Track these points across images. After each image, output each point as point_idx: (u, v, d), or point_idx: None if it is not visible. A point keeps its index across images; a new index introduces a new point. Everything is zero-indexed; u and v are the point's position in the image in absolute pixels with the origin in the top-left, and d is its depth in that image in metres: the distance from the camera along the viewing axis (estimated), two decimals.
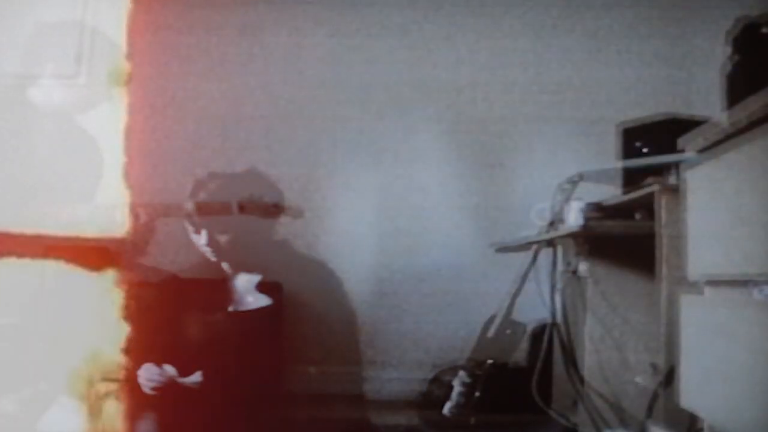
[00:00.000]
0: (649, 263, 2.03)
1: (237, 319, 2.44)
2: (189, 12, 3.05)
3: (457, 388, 2.67)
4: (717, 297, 1.59)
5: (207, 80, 3.04)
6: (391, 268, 3.05)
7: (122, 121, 2.54)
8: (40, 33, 2.22)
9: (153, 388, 2.10)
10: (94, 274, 2.02)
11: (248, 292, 2.52)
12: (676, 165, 1.84)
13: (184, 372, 2.26)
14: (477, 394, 2.66)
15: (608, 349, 2.28)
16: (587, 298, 2.35)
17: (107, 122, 2.39)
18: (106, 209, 2.04)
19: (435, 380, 2.74)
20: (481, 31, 3.14)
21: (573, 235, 2.39)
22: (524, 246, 2.62)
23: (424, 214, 3.09)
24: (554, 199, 2.38)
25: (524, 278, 2.59)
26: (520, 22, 3.15)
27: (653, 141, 2.09)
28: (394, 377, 2.69)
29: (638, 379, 2.12)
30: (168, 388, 2.12)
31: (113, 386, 1.98)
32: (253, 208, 2.35)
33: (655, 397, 1.90)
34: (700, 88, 2.09)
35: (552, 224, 2.42)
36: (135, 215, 2.16)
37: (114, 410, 2.05)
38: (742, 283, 1.43)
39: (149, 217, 2.19)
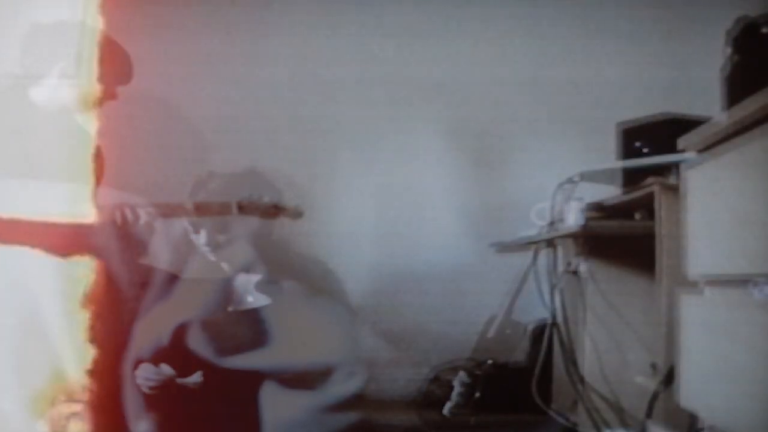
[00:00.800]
0: (649, 263, 2.03)
1: (237, 318, 2.44)
2: (189, 12, 3.05)
3: (457, 388, 2.67)
4: (717, 297, 1.59)
5: (207, 80, 3.04)
6: (391, 268, 3.05)
7: (122, 121, 2.54)
8: (41, 33, 2.22)
9: (151, 388, 2.10)
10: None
11: (248, 292, 2.52)
12: (676, 165, 1.84)
13: (184, 372, 2.27)
14: (477, 394, 2.67)
15: (608, 349, 2.28)
16: (587, 298, 2.35)
17: (107, 122, 2.39)
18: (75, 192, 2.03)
19: (435, 380, 2.74)
20: (481, 31, 3.14)
21: (573, 235, 2.39)
22: (524, 246, 2.62)
23: (424, 214, 3.09)
24: (554, 199, 2.38)
25: (524, 278, 2.59)
26: (520, 22, 3.15)
27: (653, 141, 2.09)
28: (394, 377, 2.69)
29: (638, 379, 2.12)
30: (166, 387, 2.12)
31: (77, 407, 1.97)
32: (252, 208, 2.35)
33: (655, 397, 1.90)
34: (700, 88, 2.08)
35: (552, 224, 2.42)
36: (135, 215, 2.15)
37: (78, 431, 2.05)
38: (742, 283, 1.43)
39: (149, 217, 2.18)
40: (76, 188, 2.06)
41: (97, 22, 2.32)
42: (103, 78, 2.28)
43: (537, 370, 2.55)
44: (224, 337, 2.37)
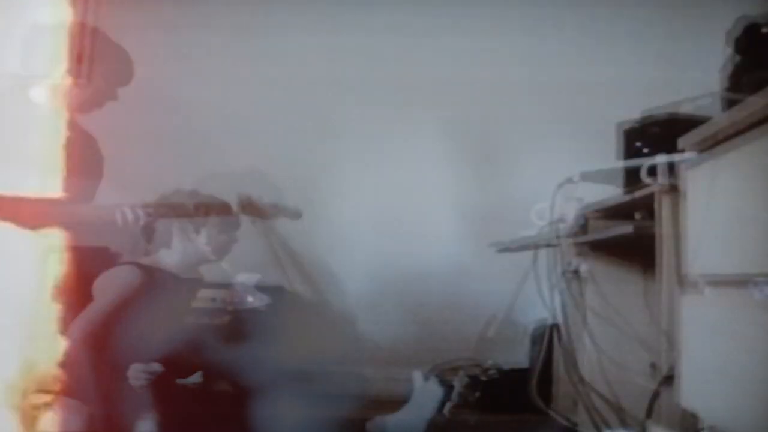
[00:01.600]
0: (649, 263, 2.03)
1: (237, 318, 2.44)
2: (189, 11, 3.05)
3: (457, 388, 2.67)
4: (717, 297, 1.59)
5: (207, 80, 3.04)
6: (391, 268, 3.06)
7: (122, 121, 2.54)
8: (41, 33, 2.22)
9: (141, 386, 2.11)
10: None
11: (248, 291, 2.52)
12: (676, 165, 1.84)
13: (184, 372, 2.27)
14: (477, 394, 2.66)
15: (608, 349, 2.28)
16: (587, 298, 2.35)
17: (107, 122, 2.39)
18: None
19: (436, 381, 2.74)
20: (482, 31, 3.14)
21: (573, 235, 2.39)
22: (524, 246, 2.62)
23: (424, 214, 3.10)
24: (554, 199, 2.38)
25: (524, 278, 2.59)
26: (521, 22, 3.15)
27: (653, 141, 2.09)
28: (394, 377, 2.68)
29: (638, 379, 2.12)
30: (156, 385, 2.12)
31: (48, 398, 1.97)
32: (252, 209, 2.35)
33: (655, 397, 1.89)
34: (699, 88, 2.08)
35: (552, 224, 2.42)
36: (134, 215, 2.15)
37: (49, 423, 2.05)
38: (742, 283, 1.43)
39: (149, 217, 2.18)
40: (47, 172, 2.05)
41: (97, 23, 2.32)
42: (103, 78, 2.28)
43: (537, 370, 2.55)
44: (224, 336, 2.38)
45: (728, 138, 1.53)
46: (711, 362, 1.56)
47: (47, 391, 1.97)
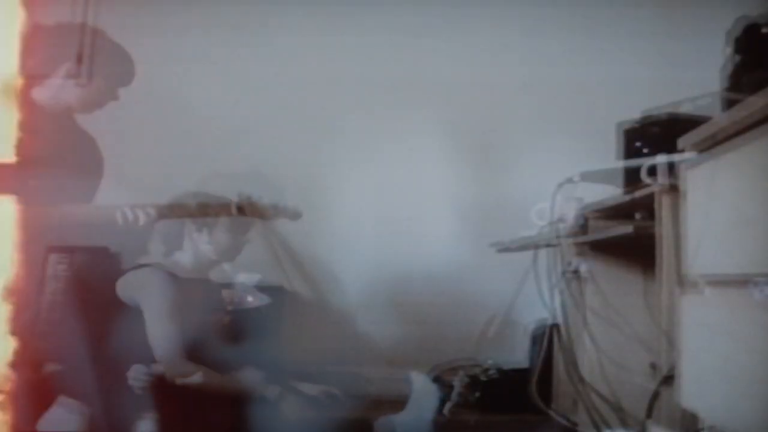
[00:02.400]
0: (649, 263, 2.03)
1: (237, 318, 2.44)
2: (190, 12, 3.05)
3: (457, 388, 2.67)
4: (717, 297, 1.59)
5: (207, 80, 3.05)
6: (391, 268, 3.06)
7: (123, 121, 2.54)
8: (43, 34, 2.22)
9: (141, 388, 2.11)
10: None
11: (248, 291, 2.52)
12: (676, 165, 1.84)
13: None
14: (477, 394, 2.66)
15: (608, 349, 2.28)
16: (587, 298, 2.35)
17: (108, 122, 2.39)
18: None
19: (435, 380, 2.74)
20: (481, 31, 3.14)
21: (573, 235, 2.39)
22: (524, 246, 2.62)
23: (424, 214, 3.10)
24: (554, 199, 2.38)
25: (524, 278, 2.59)
26: (521, 22, 3.15)
27: (653, 141, 2.09)
28: (394, 377, 2.68)
29: (638, 379, 2.12)
30: (156, 385, 2.12)
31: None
32: (252, 209, 2.35)
33: (655, 397, 1.89)
34: (699, 88, 2.09)
35: (552, 224, 2.42)
36: (135, 215, 2.15)
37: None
38: (742, 283, 1.43)
39: (150, 218, 2.18)
40: None
41: (97, 23, 2.32)
42: (104, 78, 2.29)
43: (537, 370, 2.55)
44: (224, 337, 2.37)
45: (728, 138, 1.53)
46: (711, 362, 1.56)
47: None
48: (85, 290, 2.19)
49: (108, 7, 2.74)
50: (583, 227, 2.38)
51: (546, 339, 2.57)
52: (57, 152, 2.15)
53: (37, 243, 2.12)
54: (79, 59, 2.25)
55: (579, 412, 2.32)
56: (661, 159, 1.88)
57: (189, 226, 2.33)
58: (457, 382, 2.69)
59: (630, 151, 2.20)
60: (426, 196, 3.09)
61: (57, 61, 2.24)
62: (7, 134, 1.95)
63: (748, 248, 1.44)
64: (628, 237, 2.05)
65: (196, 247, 2.33)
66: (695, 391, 1.64)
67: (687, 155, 1.74)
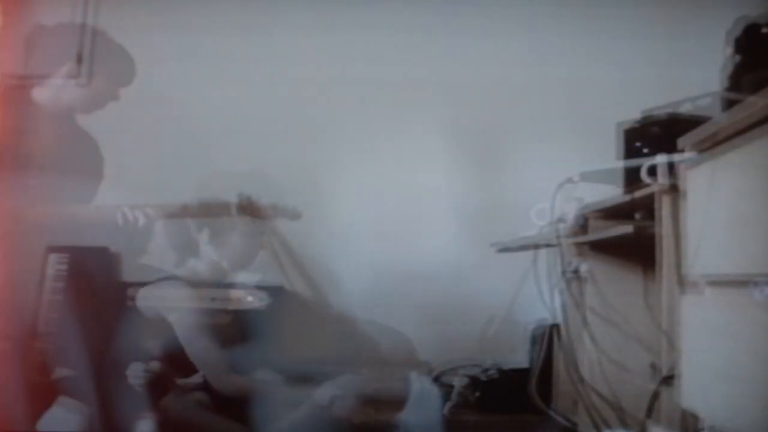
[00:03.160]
0: (649, 263, 2.03)
1: (237, 318, 2.44)
2: (190, 12, 3.05)
3: (457, 388, 2.67)
4: (717, 297, 1.59)
5: (206, 80, 3.05)
6: (391, 268, 3.05)
7: (123, 121, 2.54)
8: (43, 34, 2.22)
9: (140, 385, 2.12)
10: None
11: (248, 291, 2.52)
12: (676, 165, 1.84)
13: (184, 372, 2.27)
14: (477, 394, 2.66)
15: (608, 349, 2.28)
16: (587, 298, 2.35)
17: (108, 122, 2.39)
18: None
19: (435, 380, 2.74)
20: (481, 31, 3.14)
21: (573, 235, 2.39)
22: (524, 246, 2.62)
23: (424, 214, 3.09)
24: (554, 199, 2.38)
25: (524, 278, 2.59)
26: (520, 22, 3.15)
27: (653, 141, 2.09)
28: (394, 377, 2.68)
29: (638, 379, 2.12)
30: (156, 385, 2.13)
31: None
32: (251, 209, 2.35)
33: (655, 397, 1.89)
34: (699, 88, 2.09)
35: (552, 224, 2.42)
36: (134, 216, 2.15)
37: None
38: (742, 283, 1.43)
39: (150, 218, 2.18)
40: None
41: (98, 23, 2.33)
42: (104, 79, 2.29)
43: (537, 370, 2.55)
44: (224, 337, 2.37)
45: (728, 138, 1.53)
46: (711, 362, 1.56)
47: None
48: (85, 290, 2.20)
49: (108, 7, 2.74)
50: (583, 227, 2.38)
51: (546, 339, 2.58)
52: (57, 152, 2.15)
53: (37, 243, 2.13)
54: (80, 59, 2.25)
55: (579, 412, 2.32)
56: (661, 159, 1.88)
57: (201, 234, 2.34)
58: (457, 382, 2.69)
59: (630, 151, 2.20)
60: (426, 196, 3.09)
61: (57, 61, 2.25)
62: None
63: (748, 248, 1.44)
64: (628, 237, 2.05)
65: (210, 256, 2.34)
66: (695, 391, 1.64)
67: (687, 155, 1.74)
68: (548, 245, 2.49)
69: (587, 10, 3.12)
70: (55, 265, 2.21)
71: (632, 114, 2.25)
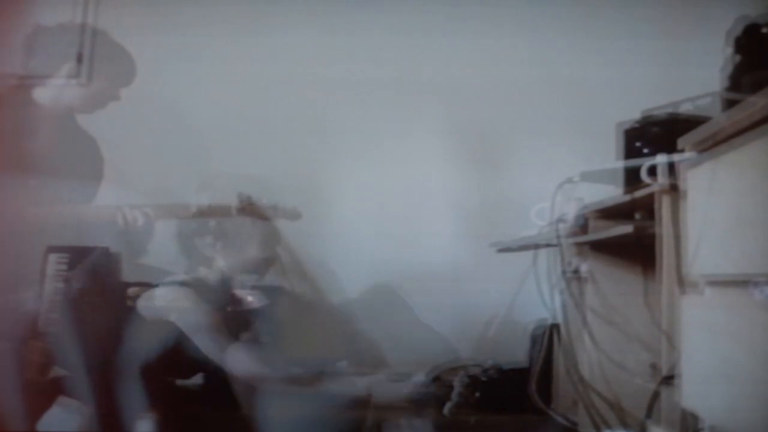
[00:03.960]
0: (649, 263, 2.03)
1: (237, 318, 2.44)
2: (190, 12, 3.05)
3: (457, 388, 2.67)
4: (717, 297, 1.59)
5: (207, 80, 3.05)
6: (391, 268, 3.05)
7: (123, 121, 2.54)
8: (44, 34, 2.22)
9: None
10: None
11: (248, 291, 2.52)
12: (676, 165, 1.84)
13: (184, 372, 2.27)
14: (477, 394, 2.66)
15: (608, 349, 2.28)
16: (587, 298, 2.35)
17: (108, 122, 2.39)
18: None
19: (435, 380, 2.74)
20: (481, 31, 3.14)
21: (573, 235, 2.39)
22: (524, 246, 2.62)
23: (424, 214, 3.10)
24: (554, 199, 2.38)
25: (524, 278, 2.59)
26: (520, 22, 3.15)
27: (653, 141, 2.09)
28: (394, 377, 2.68)
29: (638, 379, 2.12)
30: (156, 385, 2.13)
31: None
32: (251, 210, 2.35)
33: (655, 397, 1.90)
34: (699, 88, 2.09)
35: (552, 224, 2.42)
36: (134, 217, 2.16)
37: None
38: (742, 283, 1.43)
39: (150, 219, 2.19)
40: None
41: (98, 23, 2.33)
42: (105, 79, 2.29)
43: (537, 370, 2.55)
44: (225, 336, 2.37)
45: (728, 138, 1.53)
46: (711, 362, 1.56)
47: None
48: (85, 290, 2.20)
49: (108, 7, 2.74)
50: (583, 227, 2.38)
51: (546, 339, 2.58)
52: (57, 152, 2.15)
53: (37, 243, 2.13)
54: (80, 59, 2.25)
55: (579, 412, 2.32)
56: (661, 159, 1.88)
57: (189, 227, 2.33)
58: (457, 382, 2.69)
59: (630, 151, 2.20)
60: (426, 196, 3.09)
61: (57, 61, 2.25)
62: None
63: (748, 248, 1.44)
64: (628, 237, 2.05)
65: (223, 264, 2.34)
66: (695, 391, 1.64)
67: (687, 155, 1.74)
68: (548, 245, 2.49)
69: (587, 10, 3.12)
70: (55, 265, 2.21)
71: (632, 114, 2.25)
